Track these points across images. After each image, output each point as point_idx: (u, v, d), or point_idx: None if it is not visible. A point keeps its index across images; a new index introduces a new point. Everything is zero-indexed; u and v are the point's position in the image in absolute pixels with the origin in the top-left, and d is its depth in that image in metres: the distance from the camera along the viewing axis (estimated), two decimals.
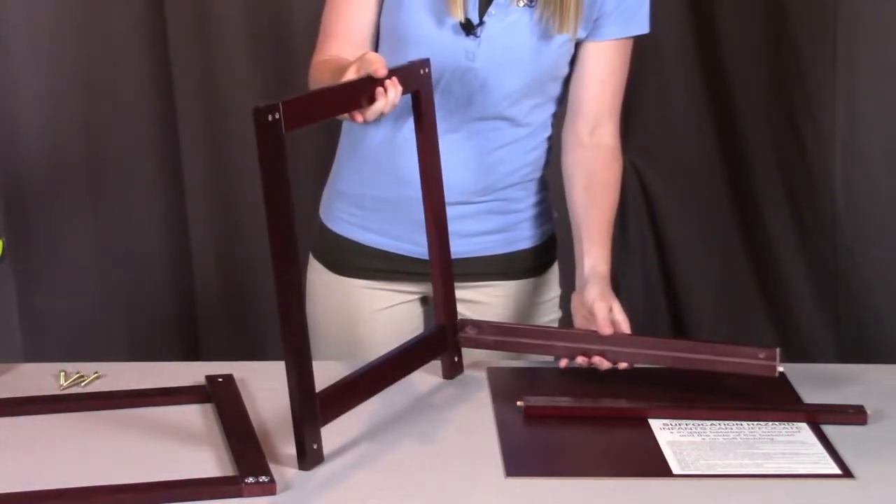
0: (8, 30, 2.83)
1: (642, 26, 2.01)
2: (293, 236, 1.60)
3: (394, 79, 1.76)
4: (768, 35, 2.88)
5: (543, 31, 1.94)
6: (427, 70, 1.84)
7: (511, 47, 1.94)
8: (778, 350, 1.78)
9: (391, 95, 1.76)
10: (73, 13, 2.85)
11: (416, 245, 2.04)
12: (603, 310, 1.88)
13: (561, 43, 1.96)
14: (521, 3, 1.93)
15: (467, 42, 1.94)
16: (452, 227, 1.97)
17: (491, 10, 1.93)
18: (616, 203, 2.03)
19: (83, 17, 2.86)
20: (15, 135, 2.90)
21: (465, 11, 1.93)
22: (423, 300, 2.15)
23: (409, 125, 1.95)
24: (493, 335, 1.91)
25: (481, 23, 1.93)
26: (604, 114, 2.02)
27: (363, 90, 1.74)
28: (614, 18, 1.97)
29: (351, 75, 1.76)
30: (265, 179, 1.56)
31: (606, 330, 1.86)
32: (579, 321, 1.92)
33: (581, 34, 1.97)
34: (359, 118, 1.77)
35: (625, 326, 1.87)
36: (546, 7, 1.92)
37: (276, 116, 1.56)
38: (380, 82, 1.75)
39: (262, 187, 1.56)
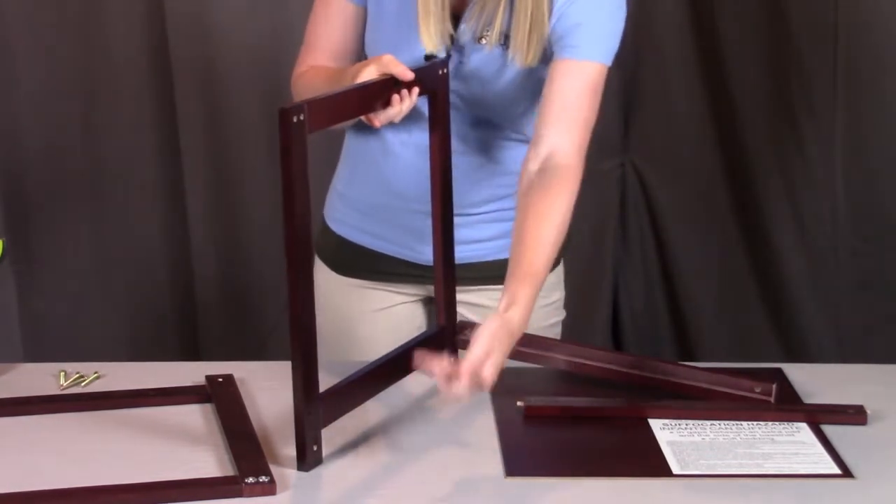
0: (8, 30, 2.84)
1: (601, 55, 1.87)
2: (309, 237, 1.60)
3: (414, 88, 1.76)
4: (769, 36, 2.88)
5: (507, 66, 1.90)
6: (446, 70, 1.83)
7: (477, 85, 1.91)
8: (774, 385, 1.78)
9: (405, 105, 1.75)
10: (72, 13, 2.85)
11: (412, 251, 2.04)
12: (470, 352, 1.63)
13: (525, 75, 1.91)
14: (490, 47, 1.88)
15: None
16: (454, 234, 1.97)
17: (453, 49, 1.89)
18: (550, 239, 1.79)
19: (83, 17, 2.86)
20: (15, 135, 2.90)
21: (435, 45, 1.88)
22: (426, 301, 2.15)
23: (401, 136, 1.96)
24: None
25: (448, 57, 1.89)
26: (559, 131, 1.85)
27: (382, 92, 1.74)
28: (572, 39, 1.86)
29: (371, 75, 1.74)
30: (286, 180, 1.56)
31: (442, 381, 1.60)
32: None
33: (537, 63, 1.90)
34: (376, 123, 1.77)
35: (477, 381, 1.60)
36: (504, 45, 1.88)
37: (301, 118, 1.57)
38: (400, 86, 1.74)
39: (283, 188, 1.56)
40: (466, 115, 1.96)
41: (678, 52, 2.94)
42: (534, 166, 1.85)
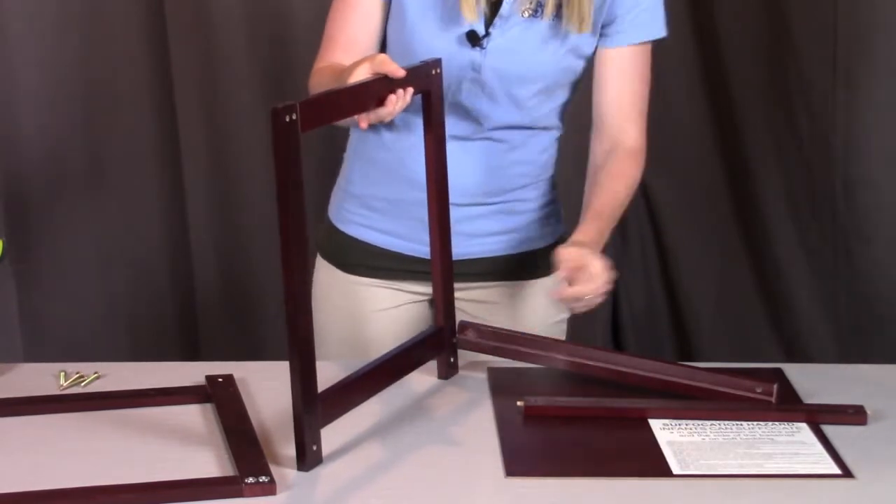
0: (8, 30, 2.83)
1: (658, 31, 2.00)
2: (304, 237, 1.60)
3: (409, 89, 1.76)
4: (768, 36, 2.88)
5: (549, 41, 1.93)
6: (439, 70, 1.83)
7: (517, 59, 1.93)
8: (775, 386, 1.79)
9: (398, 105, 1.75)
10: (73, 13, 2.85)
11: (425, 245, 2.04)
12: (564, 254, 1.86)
13: (566, 51, 1.95)
14: (527, 15, 1.92)
15: (473, 54, 1.93)
16: (463, 227, 1.97)
17: (496, 21, 1.92)
18: (620, 193, 2.01)
19: (83, 17, 2.86)
20: (15, 135, 2.90)
21: (476, 16, 1.91)
22: (433, 302, 2.15)
23: (420, 127, 1.96)
24: (492, 341, 1.91)
25: (487, 34, 1.93)
26: (623, 119, 2.02)
27: (377, 91, 1.74)
28: (626, 24, 1.96)
29: (364, 74, 1.74)
30: (280, 180, 1.56)
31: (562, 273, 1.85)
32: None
33: (590, 40, 1.96)
34: (363, 124, 1.77)
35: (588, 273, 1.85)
36: (557, 16, 1.91)
37: (294, 117, 1.56)
38: (394, 85, 1.75)
39: (277, 188, 1.56)
40: (497, 96, 1.96)
41: (678, 54, 2.94)
42: (603, 147, 2.02)
